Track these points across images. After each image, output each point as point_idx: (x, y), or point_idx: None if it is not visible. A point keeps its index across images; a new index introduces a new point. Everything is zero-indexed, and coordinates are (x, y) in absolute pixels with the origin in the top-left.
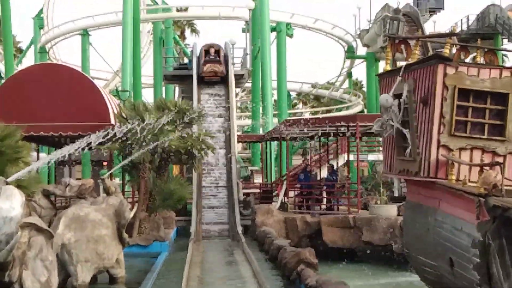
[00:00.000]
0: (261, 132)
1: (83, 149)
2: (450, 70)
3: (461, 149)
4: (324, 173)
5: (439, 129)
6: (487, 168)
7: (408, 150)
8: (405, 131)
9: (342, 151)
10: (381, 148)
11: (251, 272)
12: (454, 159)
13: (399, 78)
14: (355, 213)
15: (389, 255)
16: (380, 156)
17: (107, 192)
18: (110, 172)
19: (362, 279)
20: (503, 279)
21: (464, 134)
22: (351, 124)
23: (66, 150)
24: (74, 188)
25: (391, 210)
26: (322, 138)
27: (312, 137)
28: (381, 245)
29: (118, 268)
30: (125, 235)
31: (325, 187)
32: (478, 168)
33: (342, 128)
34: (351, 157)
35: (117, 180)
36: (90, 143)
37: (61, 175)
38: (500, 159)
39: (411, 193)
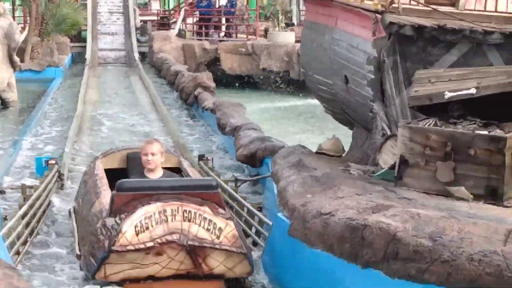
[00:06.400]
0: None
1: None
2: None
3: None
4: (222, 0)
5: None
6: None
7: None
8: None
9: None
10: None
11: (148, 99)
12: None
13: None
14: (253, 40)
15: (286, 81)
16: None
17: None
18: None
19: (258, 102)
20: (395, 95)
21: None
22: None
23: None
24: None
25: (289, 37)
26: None
27: None
28: (278, 72)
29: (10, 92)
30: (16, 59)
31: (223, 14)
32: None
33: None
34: None
35: (8, 5)
36: None
37: None
38: None
39: (309, 12)
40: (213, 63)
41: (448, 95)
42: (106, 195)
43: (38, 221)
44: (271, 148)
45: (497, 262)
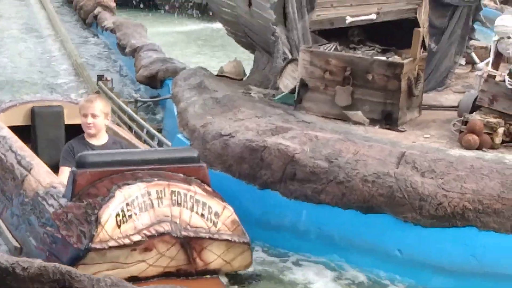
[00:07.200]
0: None
1: None
2: None
3: None
4: None
5: None
6: None
7: None
8: None
9: None
10: None
11: (46, 18)
12: None
13: None
14: None
15: (189, 4)
16: None
17: None
18: None
19: (159, 25)
20: (298, 19)
21: None
22: None
23: None
24: None
25: None
26: None
27: None
28: None
29: None
30: None
31: None
32: None
33: None
34: None
35: None
36: None
37: None
38: None
39: None
40: None
41: (349, 20)
42: (40, 167)
43: None
44: (172, 69)
45: (389, 184)
